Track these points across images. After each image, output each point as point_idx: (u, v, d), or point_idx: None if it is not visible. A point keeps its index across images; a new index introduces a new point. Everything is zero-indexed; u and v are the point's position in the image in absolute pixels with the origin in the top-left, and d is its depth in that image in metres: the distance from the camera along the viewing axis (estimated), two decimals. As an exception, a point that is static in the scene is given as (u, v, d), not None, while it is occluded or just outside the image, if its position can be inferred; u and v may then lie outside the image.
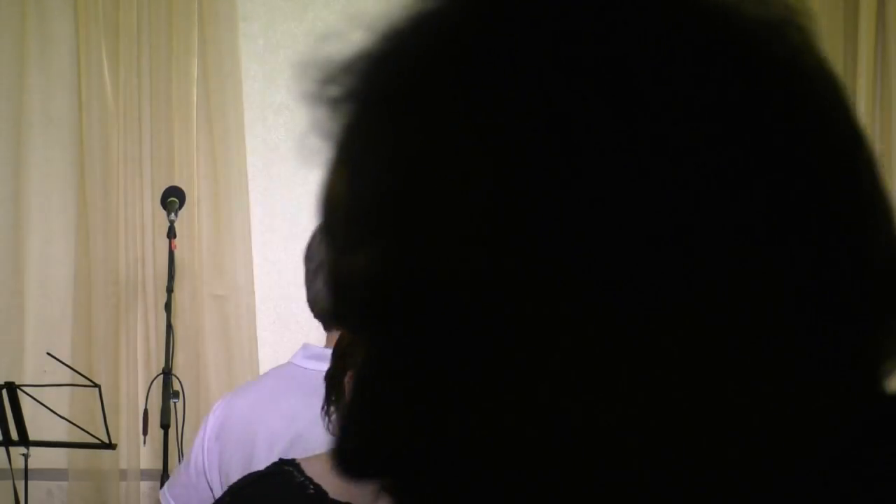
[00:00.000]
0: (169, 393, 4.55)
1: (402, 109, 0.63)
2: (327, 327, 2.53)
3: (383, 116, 0.63)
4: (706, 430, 0.60)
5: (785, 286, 0.60)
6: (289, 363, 2.68)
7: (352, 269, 0.63)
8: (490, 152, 0.60)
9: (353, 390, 0.64)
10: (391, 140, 0.63)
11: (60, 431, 4.77)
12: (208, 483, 2.68)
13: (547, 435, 0.59)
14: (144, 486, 5.17)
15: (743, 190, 0.60)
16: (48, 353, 4.69)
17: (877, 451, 0.61)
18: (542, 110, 0.59)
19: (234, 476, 2.28)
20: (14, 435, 4.51)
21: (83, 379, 4.64)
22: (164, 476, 4.50)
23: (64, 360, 4.74)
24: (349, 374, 1.93)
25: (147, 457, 5.14)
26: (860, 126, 0.66)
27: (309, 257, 2.52)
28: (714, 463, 0.60)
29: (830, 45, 5.77)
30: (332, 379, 1.93)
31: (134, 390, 5.15)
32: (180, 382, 4.69)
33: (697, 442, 0.60)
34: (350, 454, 0.64)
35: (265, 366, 4.82)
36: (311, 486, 1.94)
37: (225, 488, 2.32)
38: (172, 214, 4.83)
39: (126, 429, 5.11)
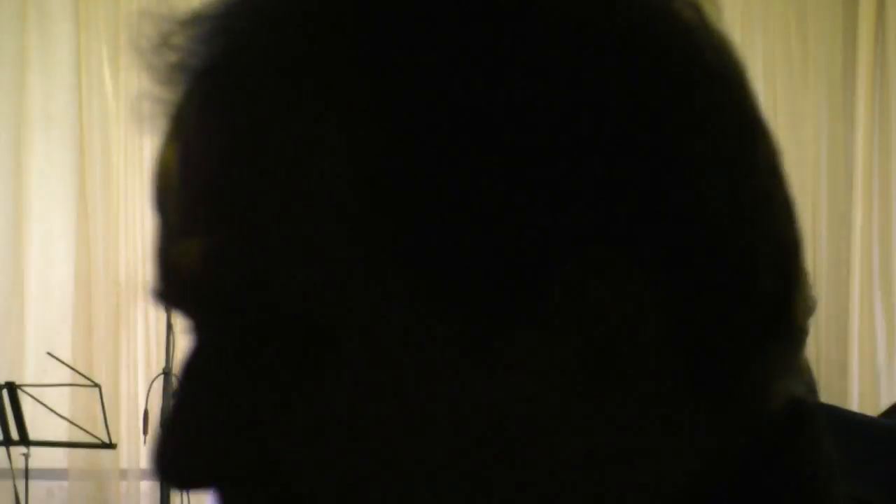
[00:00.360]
0: (169, 392, 4.55)
1: (248, 85, 0.54)
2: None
3: (224, 91, 0.55)
4: (590, 463, 0.54)
5: (657, 309, 0.53)
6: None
7: (183, 254, 0.55)
8: (374, 146, 0.52)
9: (179, 384, 0.56)
10: (233, 119, 0.54)
11: (61, 431, 4.77)
12: None
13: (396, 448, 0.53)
14: (145, 485, 5.18)
15: (609, 195, 0.53)
16: (48, 353, 4.70)
17: (760, 479, 0.56)
18: (439, 104, 0.52)
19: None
20: (14, 435, 4.51)
21: (83, 379, 4.65)
22: (165, 476, 4.50)
23: (64, 360, 4.74)
24: None
25: (147, 457, 5.15)
26: (761, 118, 0.58)
27: None
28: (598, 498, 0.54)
29: (830, 45, 5.78)
30: None
31: (134, 390, 5.16)
32: (180, 382, 4.69)
33: (578, 475, 0.54)
34: (167, 458, 0.55)
35: (265, 366, 4.81)
36: None
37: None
38: (173, 214, 4.83)
39: (126, 428, 5.11)
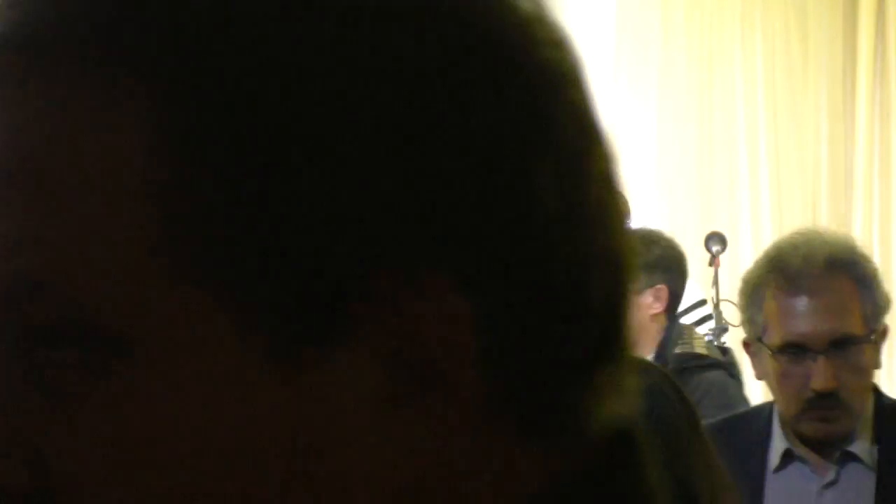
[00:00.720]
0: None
1: (39, 56, 0.49)
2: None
3: (8, 63, 0.49)
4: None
5: (476, 329, 0.49)
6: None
7: None
8: (179, 136, 0.48)
9: None
10: (14, 95, 0.49)
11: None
12: None
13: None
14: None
15: (430, 207, 0.49)
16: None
17: None
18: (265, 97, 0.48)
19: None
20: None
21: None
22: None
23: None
24: None
25: None
26: (598, 121, 0.54)
27: None
28: None
29: (830, 45, 5.78)
30: None
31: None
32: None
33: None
34: None
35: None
36: None
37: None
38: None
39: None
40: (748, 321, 2.18)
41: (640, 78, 5.61)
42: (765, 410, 2.24)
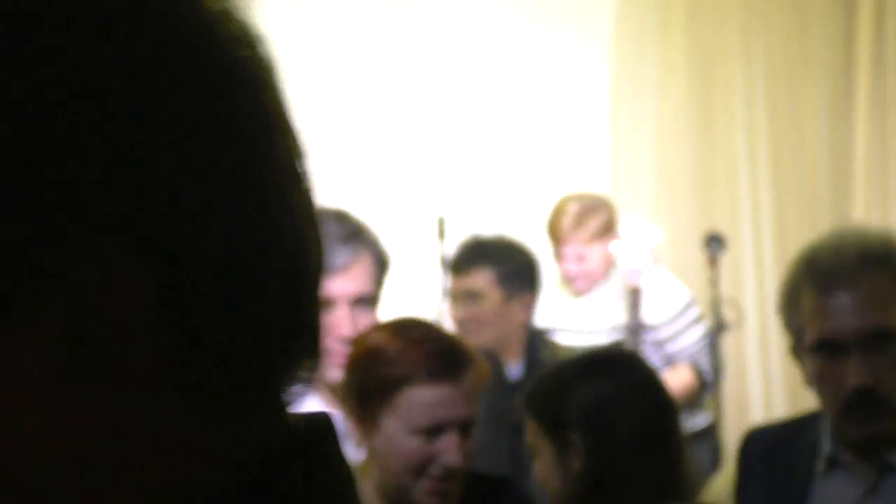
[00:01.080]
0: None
1: None
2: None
3: None
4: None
5: (153, 305, 0.50)
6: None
7: None
8: None
9: None
10: None
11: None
12: None
13: None
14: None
15: (106, 179, 0.49)
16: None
17: (268, 493, 0.53)
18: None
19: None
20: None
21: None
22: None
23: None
24: None
25: None
26: (283, 115, 0.55)
27: None
28: None
29: (830, 45, 5.78)
30: None
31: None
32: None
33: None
34: None
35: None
36: None
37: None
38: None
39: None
40: (788, 325, 2.09)
41: (640, 78, 5.61)
42: (822, 414, 2.14)
